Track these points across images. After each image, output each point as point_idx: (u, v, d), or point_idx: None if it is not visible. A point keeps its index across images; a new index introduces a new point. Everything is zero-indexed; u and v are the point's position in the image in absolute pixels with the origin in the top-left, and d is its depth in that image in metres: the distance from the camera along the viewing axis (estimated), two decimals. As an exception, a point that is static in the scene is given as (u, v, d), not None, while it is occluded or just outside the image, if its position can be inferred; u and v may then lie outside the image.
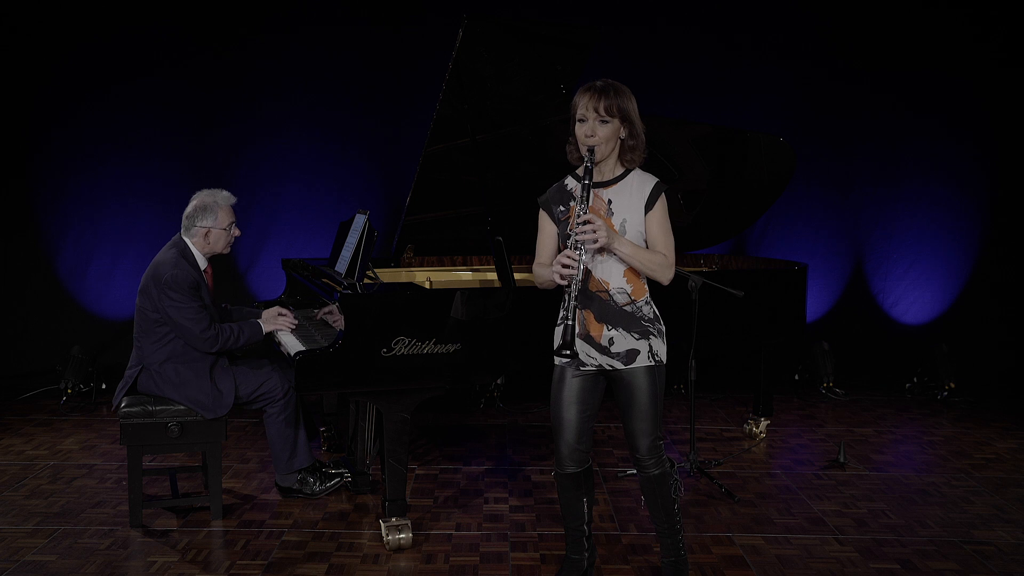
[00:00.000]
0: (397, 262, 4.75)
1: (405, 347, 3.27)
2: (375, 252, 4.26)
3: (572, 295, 2.65)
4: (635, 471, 4.21)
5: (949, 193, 6.43)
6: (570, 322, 2.64)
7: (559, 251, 2.87)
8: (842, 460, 4.45)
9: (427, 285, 4.12)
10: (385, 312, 3.26)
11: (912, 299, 6.52)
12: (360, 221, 3.80)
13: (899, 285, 6.52)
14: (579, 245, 2.66)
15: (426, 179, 4.22)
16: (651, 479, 2.87)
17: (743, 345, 5.04)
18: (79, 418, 5.27)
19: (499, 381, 5.60)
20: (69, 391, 5.55)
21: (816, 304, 6.42)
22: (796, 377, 6.20)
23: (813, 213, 6.46)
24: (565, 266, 2.65)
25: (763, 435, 4.94)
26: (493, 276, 4.62)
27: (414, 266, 4.81)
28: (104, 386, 5.71)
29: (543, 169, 4.40)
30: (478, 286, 4.42)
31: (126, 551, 3.38)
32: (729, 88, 6.26)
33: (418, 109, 5.94)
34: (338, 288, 3.48)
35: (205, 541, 3.48)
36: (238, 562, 3.29)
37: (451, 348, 3.34)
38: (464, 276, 4.74)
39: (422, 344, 3.29)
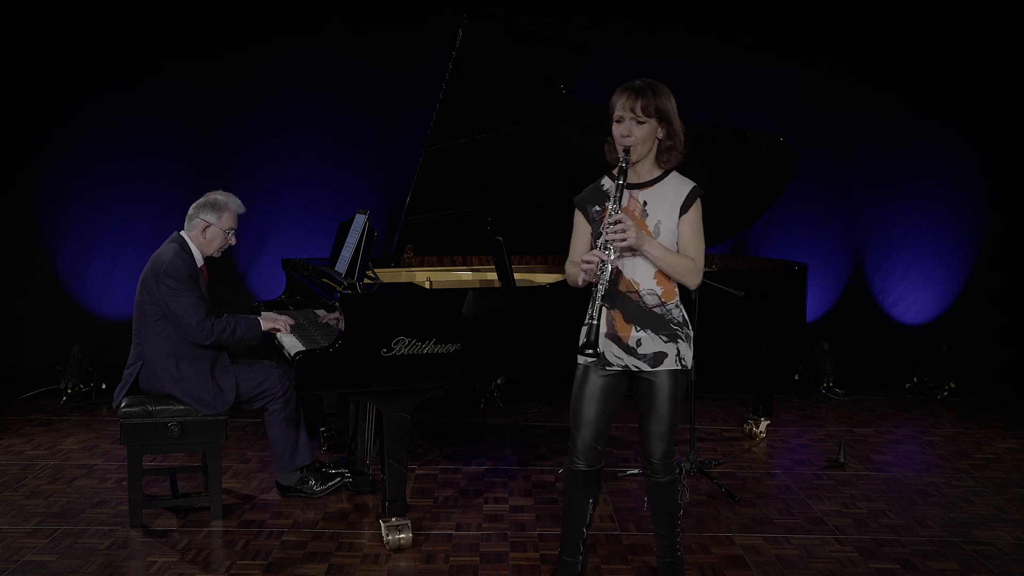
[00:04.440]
0: (397, 262, 4.75)
1: (405, 347, 3.27)
2: (375, 252, 4.26)
3: (599, 295, 2.63)
4: (635, 471, 4.23)
5: (949, 193, 6.43)
6: (595, 322, 2.62)
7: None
8: (842, 460, 4.45)
9: (427, 285, 4.13)
10: (385, 312, 3.26)
11: (912, 299, 6.52)
12: (360, 221, 3.80)
13: (899, 285, 6.52)
14: (608, 245, 2.65)
15: (426, 179, 4.22)
16: (660, 485, 2.86)
17: (743, 345, 5.04)
18: (79, 418, 5.28)
19: (499, 381, 5.60)
20: (69, 391, 5.55)
21: (816, 304, 6.42)
22: (796, 377, 6.20)
23: (813, 213, 6.46)
24: (588, 262, 2.64)
25: (763, 435, 4.94)
26: (493, 276, 4.62)
27: (414, 266, 4.81)
28: (104, 386, 5.71)
29: (543, 169, 4.41)
30: (478, 286, 4.42)
31: (126, 551, 3.38)
32: (729, 88, 6.26)
33: (418, 109, 5.93)
34: (338, 288, 3.47)
35: (205, 541, 3.48)
36: (238, 562, 3.29)
37: (451, 348, 3.34)
38: (464, 276, 4.75)
39: (422, 344, 3.29)
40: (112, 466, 4.37)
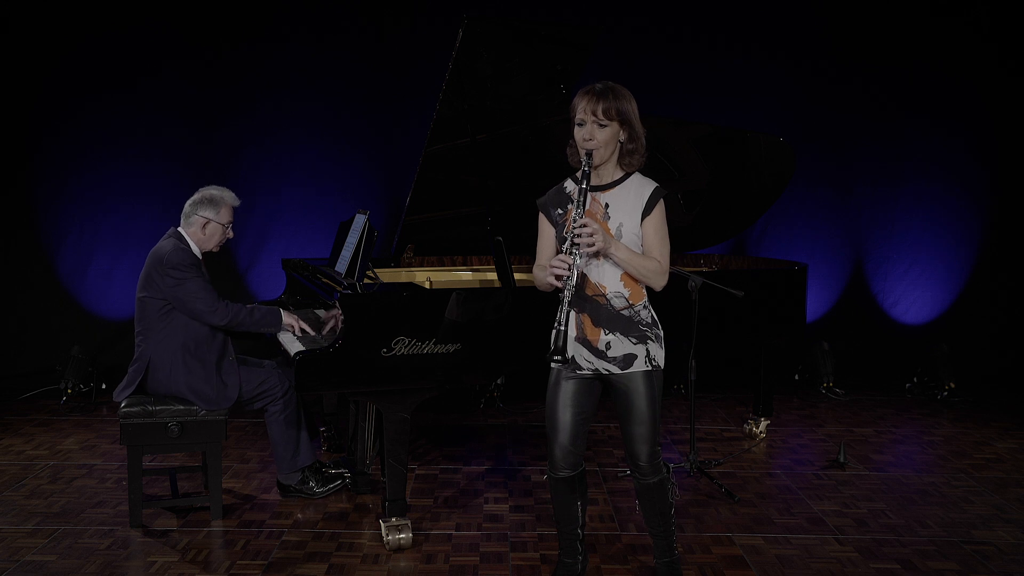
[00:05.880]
0: (397, 262, 4.75)
1: (405, 347, 3.28)
2: (375, 252, 4.26)
3: (566, 300, 2.61)
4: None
5: (949, 193, 6.44)
6: (562, 328, 2.59)
7: (557, 253, 2.85)
8: (842, 460, 4.45)
9: (427, 285, 4.13)
10: (385, 312, 3.26)
11: (912, 299, 6.53)
12: (360, 221, 3.80)
13: (899, 285, 6.52)
14: (574, 249, 2.63)
15: (426, 179, 4.22)
16: (650, 487, 2.84)
17: (743, 345, 5.04)
18: (79, 418, 5.27)
19: (499, 381, 5.60)
20: (69, 391, 5.55)
21: (816, 304, 6.42)
22: (796, 377, 6.20)
23: (813, 213, 6.46)
24: (557, 268, 2.62)
25: (763, 435, 4.94)
26: (493, 276, 4.62)
27: (414, 266, 4.81)
28: (104, 386, 5.71)
29: (543, 169, 4.39)
30: (478, 286, 4.42)
31: (126, 551, 3.38)
32: (729, 88, 6.26)
33: (418, 109, 5.94)
34: (338, 288, 3.48)
35: (205, 541, 3.48)
36: (238, 562, 3.29)
37: (451, 348, 3.34)
38: (464, 276, 4.75)
39: (422, 344, 3.30)
40: (112, 466, 4.37)
